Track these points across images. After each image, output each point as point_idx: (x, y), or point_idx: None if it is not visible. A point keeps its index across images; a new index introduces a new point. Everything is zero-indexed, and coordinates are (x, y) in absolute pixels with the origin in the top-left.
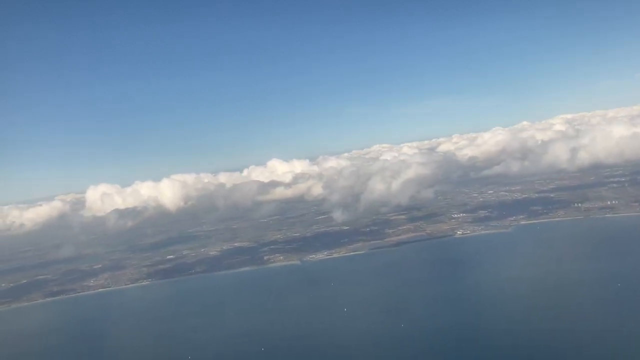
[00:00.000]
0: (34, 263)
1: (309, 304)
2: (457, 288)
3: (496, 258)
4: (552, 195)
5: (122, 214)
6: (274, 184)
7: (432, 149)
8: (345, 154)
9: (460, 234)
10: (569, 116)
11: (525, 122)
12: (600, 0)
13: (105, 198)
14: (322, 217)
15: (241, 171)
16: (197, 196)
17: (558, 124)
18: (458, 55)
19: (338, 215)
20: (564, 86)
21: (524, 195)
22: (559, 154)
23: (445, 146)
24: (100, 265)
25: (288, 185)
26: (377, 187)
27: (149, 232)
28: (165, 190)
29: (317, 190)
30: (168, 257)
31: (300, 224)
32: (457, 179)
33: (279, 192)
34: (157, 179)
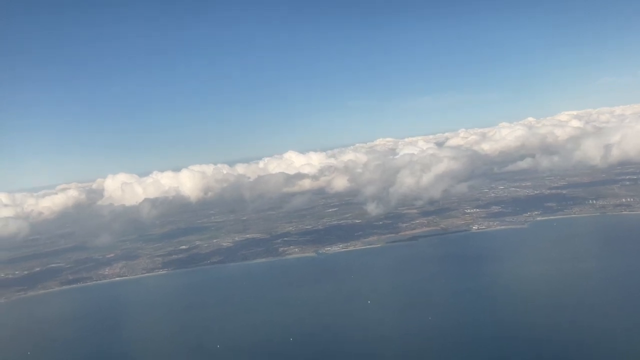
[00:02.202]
0: (49, 250)
1: (330, 296)
2: (481, 283)
3: (517, 254)
4: (564, 192)
5: (154, 203)
6: (300, 176)
7: (439, 144)
8: (350, 147)
9: (476, 229)
10: (574, 112)
11: (531, 118)
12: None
13: (125, 187)
14: (333, 209)
15: (248, 163)
16: (221, 187)
17: (573, 120)
18: (460, 52)
19: (372, 209)
20: (566, 83)
21: (535, 192)
22: (588, 151)
23: (454, 141)
24: (112, 255)
25: (315, 177)
26: (406, 181)
27: (158, 222)
28: (186, 181)
29: (341, 183)
30: (181, 247)
31: (311, 217)
32: (481, 174)
33: (299, 185)
34: (160, 170)
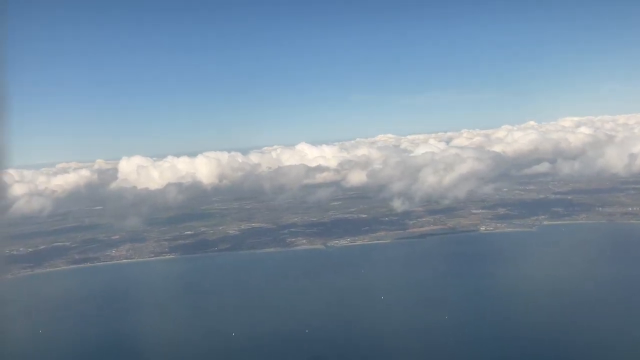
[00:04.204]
0: (56, 228)
1: (344, 289)
2: (495, 283)
3: (529, 257)
4: (569, 197)
5: (179, 188)
6: (320, 169)
7: (446, 143)
8: (352, 141)
9: (484, 230)
10: (576, 119)
11: (532, 122)
12: (608, 4)
13: (141, 170)
14: (337, 203)
15: (260, 151)
16: (236, 176)
17: (582, 127)
18: (463, 52)
19: (398, 205)
20: (569, 88)
21: (540, 196)
22: (611, 159)
23: (459, 141)
24: (118, 236)
25: (336, 171)
26: (429, 180)
27: (168, 207)
28: (202, 167)
29: (357, 177)
30: (186, 232)
31: (316, 209)
32: (501, 176)
33: (315, 178)
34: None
